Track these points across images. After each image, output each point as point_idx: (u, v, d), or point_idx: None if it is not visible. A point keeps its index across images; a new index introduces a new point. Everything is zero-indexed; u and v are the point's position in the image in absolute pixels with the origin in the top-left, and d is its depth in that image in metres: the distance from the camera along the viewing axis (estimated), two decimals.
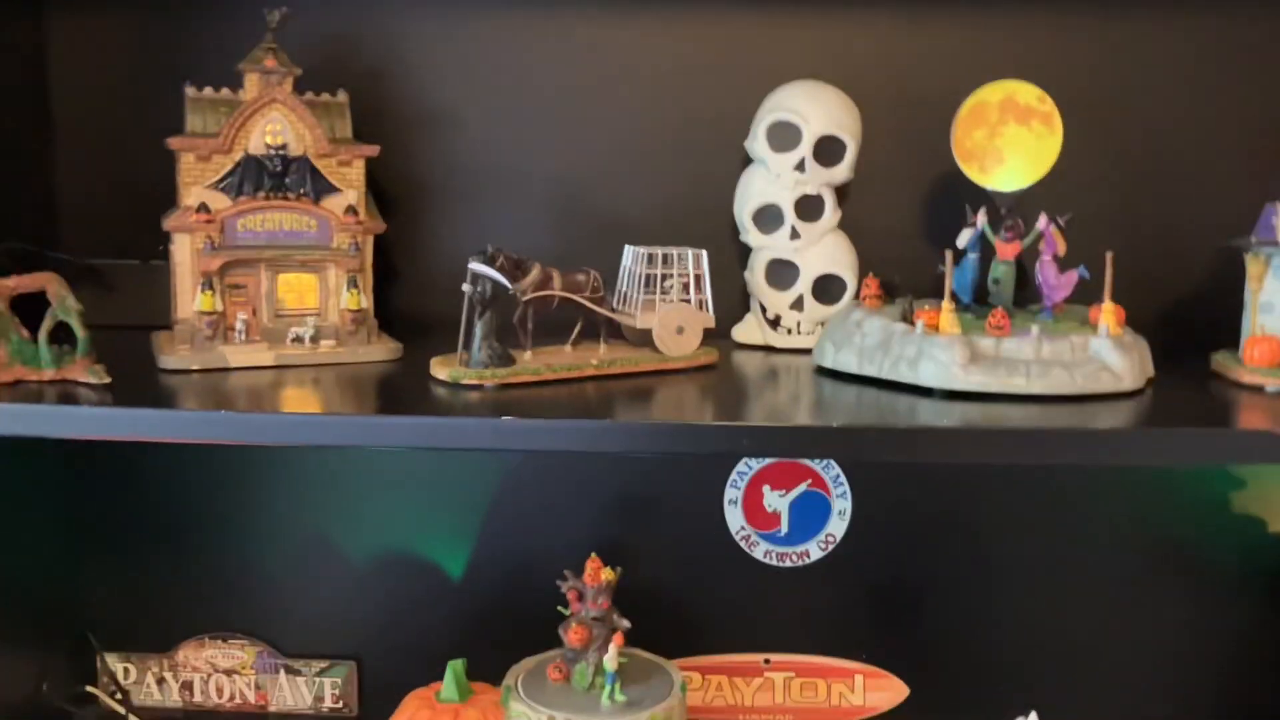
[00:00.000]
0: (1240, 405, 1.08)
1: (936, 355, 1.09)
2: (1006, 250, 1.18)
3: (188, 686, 1.46)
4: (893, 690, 1.44)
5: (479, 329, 1.09)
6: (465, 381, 1.08)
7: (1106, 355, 1.09)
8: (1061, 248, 1.16)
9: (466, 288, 1.09)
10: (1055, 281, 1.16)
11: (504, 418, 0.97)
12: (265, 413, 0.97)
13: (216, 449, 1.40)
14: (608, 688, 1.19)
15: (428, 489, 1.44)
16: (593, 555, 1.24)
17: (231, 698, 1.46)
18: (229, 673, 1.46)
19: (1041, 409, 1.04)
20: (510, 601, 1.41)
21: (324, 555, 1.45)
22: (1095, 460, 0.97)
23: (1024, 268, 1.19)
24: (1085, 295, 1.16)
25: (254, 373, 1.14)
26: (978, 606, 1.43)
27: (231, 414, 0.96)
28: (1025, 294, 1.19)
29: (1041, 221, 1.16)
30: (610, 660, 1.19)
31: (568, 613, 1.22)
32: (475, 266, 1.09)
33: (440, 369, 1.11)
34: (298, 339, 1.19)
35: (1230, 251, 1.20)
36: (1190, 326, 1.31)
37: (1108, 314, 1.11)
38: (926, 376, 1.09)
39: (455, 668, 1.26)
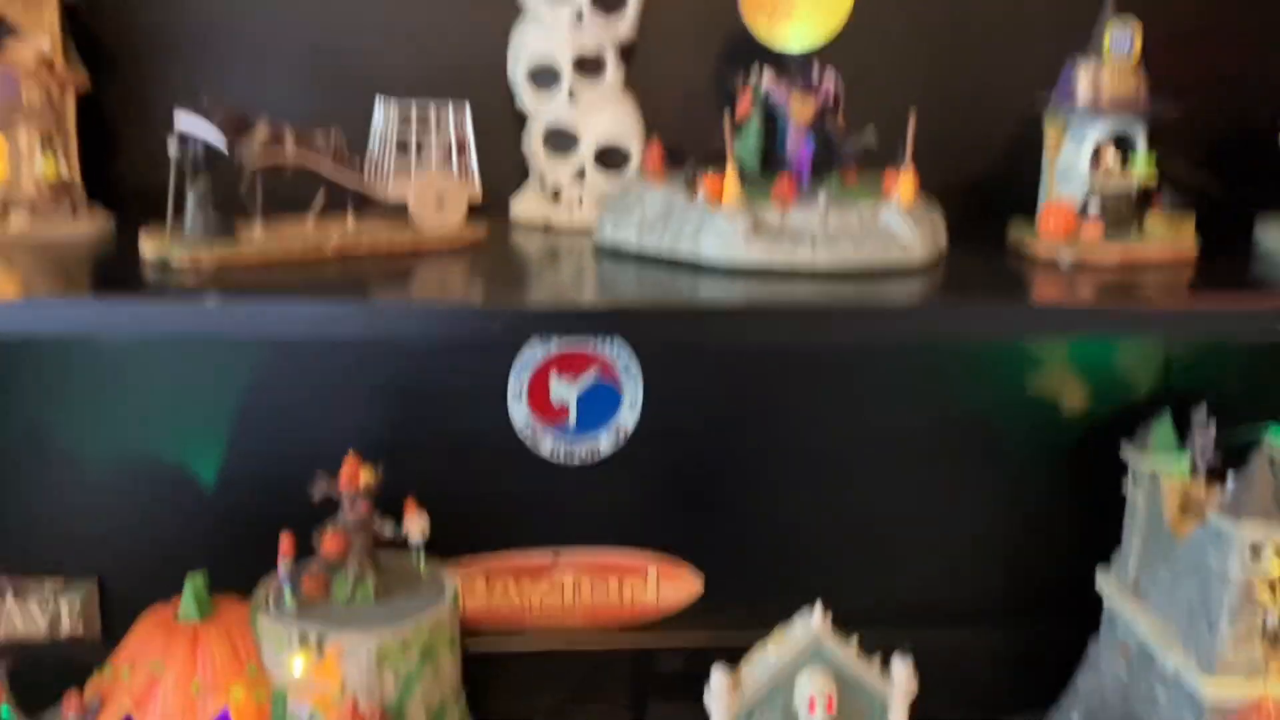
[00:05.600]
0: (1029, 280, 1.02)
1: (718, 227, 0.99)
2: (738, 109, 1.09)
3: None
4: (687, 584, 1.38)
5: (191, 197, 0.93)
6: (175, 259, 0.93)
7: (896, 227, 1.00)
8: (800, 115, 1.06)
9: (173, 149, 0.93)
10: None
11: (208, 300, 0.82)
12: None
13: None
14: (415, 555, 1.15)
15: (172, 383, 1.27)
16: (349, 454, 1.12)
17: None
18: None
19: (829, 285, 0.95)
20: (268, 507, 1.25)
21: (52, 461, 1.28)
22: (875, 338, 0.88)
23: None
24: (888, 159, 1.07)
25: None
26: (773, 493, 1.36)
27: None
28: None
29: (767, 80, 1.07)
30: (415, 527, 1.14)
31: None
32: (184, 122, 0.93)
33: (148, 245, 0.95)
34: None
35: (1034, 114, 1.13)
36: (993, 195, 1.24)
37: (905, 182, 1.02)
38: (708, 250, 0.99)
39: (195, 582, 1.13)
